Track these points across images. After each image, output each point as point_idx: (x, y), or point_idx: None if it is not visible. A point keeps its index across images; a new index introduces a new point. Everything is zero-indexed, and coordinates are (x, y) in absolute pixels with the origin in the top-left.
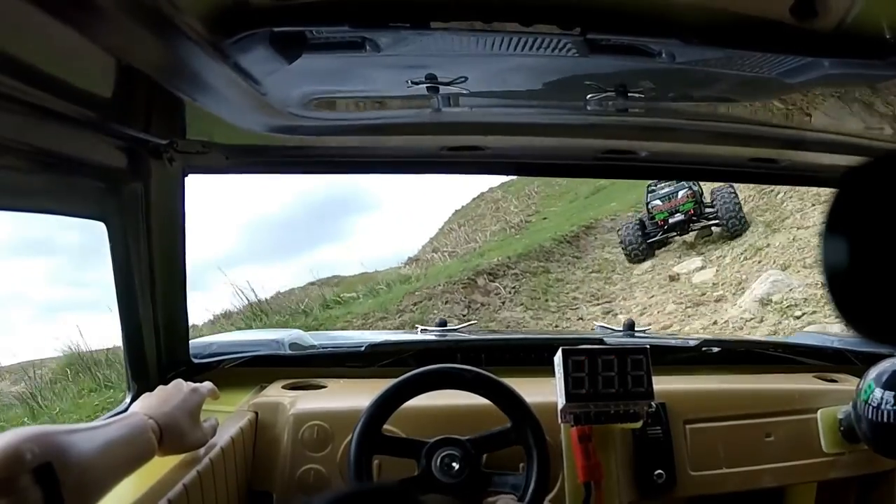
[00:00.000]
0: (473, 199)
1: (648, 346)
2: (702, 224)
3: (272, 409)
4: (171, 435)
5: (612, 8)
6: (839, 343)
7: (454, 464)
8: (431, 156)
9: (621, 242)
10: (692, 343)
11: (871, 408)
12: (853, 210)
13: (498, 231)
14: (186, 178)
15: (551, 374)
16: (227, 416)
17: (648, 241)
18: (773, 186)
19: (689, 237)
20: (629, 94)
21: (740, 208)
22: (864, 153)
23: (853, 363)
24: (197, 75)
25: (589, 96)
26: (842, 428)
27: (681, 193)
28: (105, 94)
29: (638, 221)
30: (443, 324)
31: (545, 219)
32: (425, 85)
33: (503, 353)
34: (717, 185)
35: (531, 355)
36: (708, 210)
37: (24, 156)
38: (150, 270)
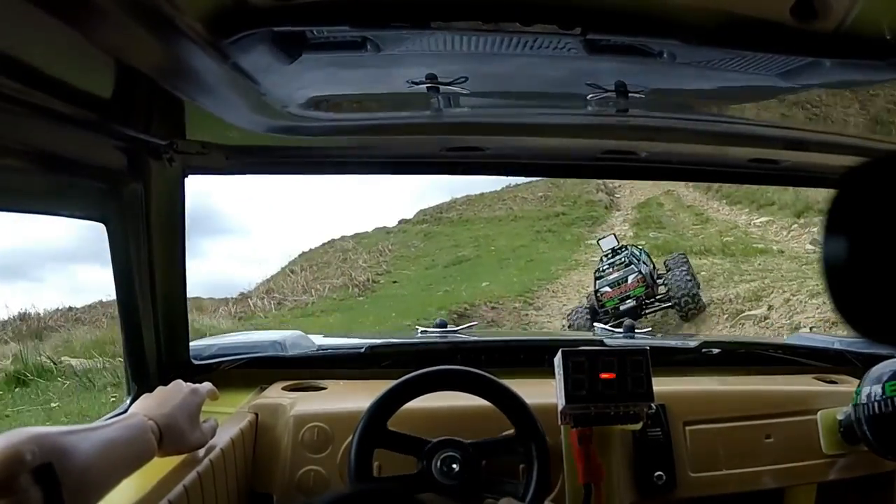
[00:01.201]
0: (323, 245)
1: (648, 348)
2: (654, 309)
3: (272, 411)
4: (171, 436)
5: (612, 8)
6: (839, 344)
7: (454, 465)
8: (431, 156)
9: (569, 327)
10: (692, 344)
11: (870, 409)
12: (853, 211)
13: (339, 287)
14: (186, 179)
15: (551, 375)
16: (227, 418)
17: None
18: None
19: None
20: (629, 95)
21: (692, 286)
22: (864, 154)
23: (853, 364)
24: (197, 76)
25: (589, 96)
26: (841, 429)
27: (630, 278)
28: (105, 95)
29: (588, 309)
30: (442, 325)
31: (395, 282)
32: (425, 85)
33: (503, 355)
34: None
35: (531, 357)
36: (661, 291)
37: (23, 157)
38: (150, 271)
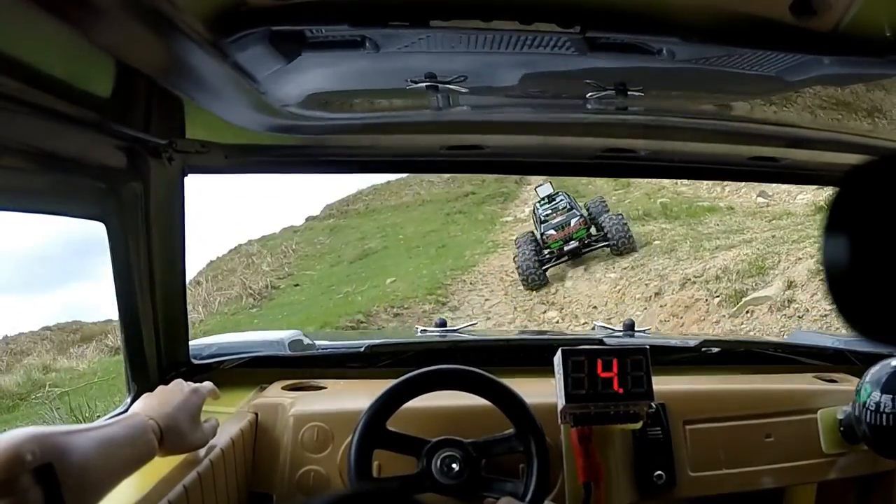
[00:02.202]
0: (230, 252)
1: (648, 347)
2: (593, 248)
3: (272, 410)
4: (172, 435)
5: (611, 6)
6: (839, 343)
7: (454, 465)
8: (431, 155)
9: (518, 268)
10: (692, 343)
11: (870, 408)
12: (854, 209)
13: (234, 299)
14: (186, 178)
15: (551, 374)
16: (228, 417)
17: (543, 268)
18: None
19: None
20: (629, 93)
21: (627, 232)
22: (864, 152)
23: (853, 363)
24: (196, 75)
25: (589, 95)
26: (841, 428)
27: (573, 222)
28: (104, 94)
29: (533, 251)
30: (442, 324)
31: (297, 286)
32: (425, 84)
33: (503, 354)
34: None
35: (531, 356)
36: (597, 234)
37: (23, 156)
38: (150, 270)
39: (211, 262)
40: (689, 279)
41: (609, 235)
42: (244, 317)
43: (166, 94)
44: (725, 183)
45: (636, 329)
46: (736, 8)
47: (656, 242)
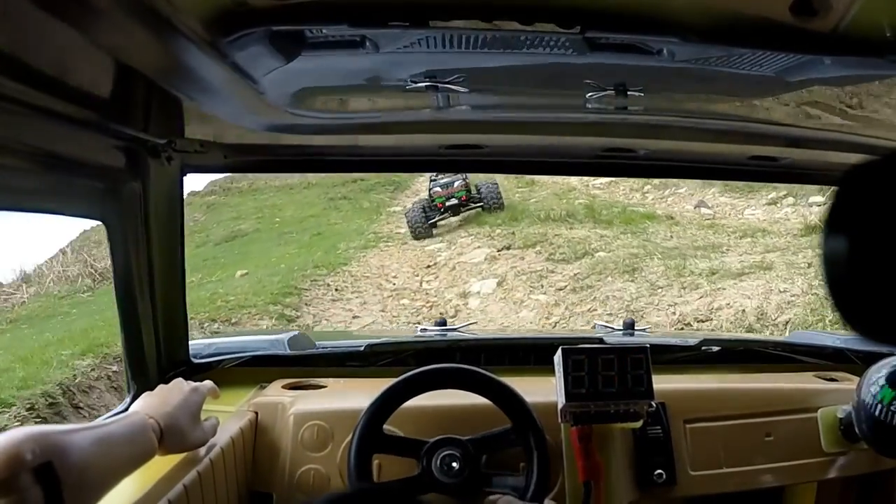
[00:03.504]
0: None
1: (648, 346)
2: (470, 207)
3: (272, 409)
4: (172, 434)
5: (611, 7)
6: (839, 342)
7: (454, 464)
8: (430, 154)
9: (408, 222)
10: (692, 342)
11: (870, 407)
12: (854, 208)
13: (73, 278)
14: (185, 178)
15: (551, 373)
16: (228, 416)
17: (429, 221)
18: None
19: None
20: (629, 93)
21: (499, 194)
22: (864, 151)
23: (853, 362)
24: (195, 75)
25: (588, 94)
26: (842, 427)
27: (456, 183)
28: (103, 94)
29: (422, 206)
30: (442, 323)
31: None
32: (425, 83)
33: (503, 353)
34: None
35: (531, 355)
36: (476, 197)
37: (22, 156)
38: (150, 269)
39: (84, 231)
40: (702, 323)
41: (483, 197)
42: (73, 302)
43: (165, 94)
44: (646, 191)
45: (636, 328)
46: (736, 8)
47: (601, 254)
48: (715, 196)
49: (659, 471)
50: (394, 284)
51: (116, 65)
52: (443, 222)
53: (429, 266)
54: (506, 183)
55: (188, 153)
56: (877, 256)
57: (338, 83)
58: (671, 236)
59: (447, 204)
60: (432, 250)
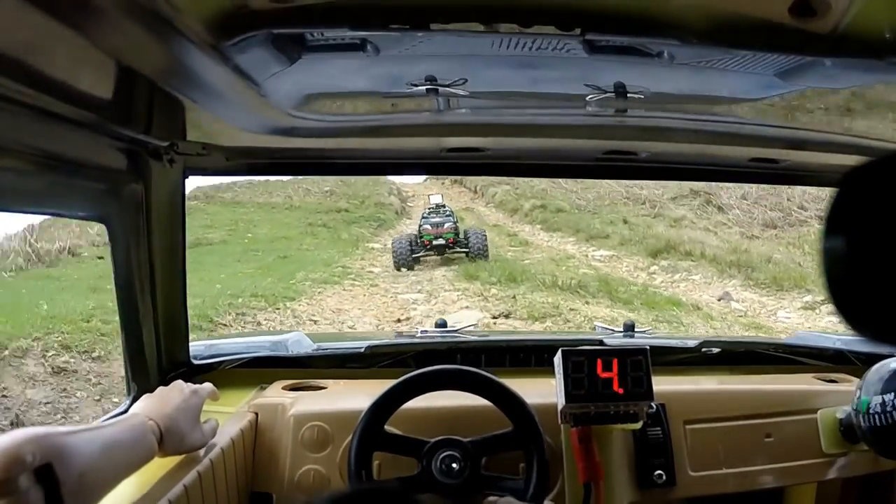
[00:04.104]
0: None
1: (648, 347)
2: (455, 251)
3: (272, 410)
4: (172, 436)
5: (611, 9)
6: (839, 343)
7: (454, 465)
8: (431, 157)
9: (392, 250)
10: (692, 344)
11: (870, 409)
12: (854, 210)
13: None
14: (186, 180)
15: (551, 374)
16: (228, 417)
17: (413, 255)
18: None
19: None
20: (629, 95)
21: (485, 245)
22: (863, 153)
23: (853, 363)
24: (197, 77)
25: (589, 97)
26: (842, 428)
27: (447, 225)
28: (106, 97)
29: (409, 239)
30: (442, 324)
31: (101, 258)
32: (425, 86)
33: (503, 354)
34: (472, 225)
35: (531, 356)
36: (463, 242)
37: (26, 158)
38: (151, 271)
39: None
40: None
41: (470, 244)
42: None
43: (167, 96)
44: (652, 271)
45: (636, 329)
46: (735, 10)
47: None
48: (737, 289)
49: (659, 472)
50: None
51: (119, 67)
52: (426, 259)
53: (399, 320)
54: (497, 240)
55: (190, 155)
56: (876, 257)
57: (339, 86)
58: (710, 331)
59: (434, 243)
60: (406, 300)
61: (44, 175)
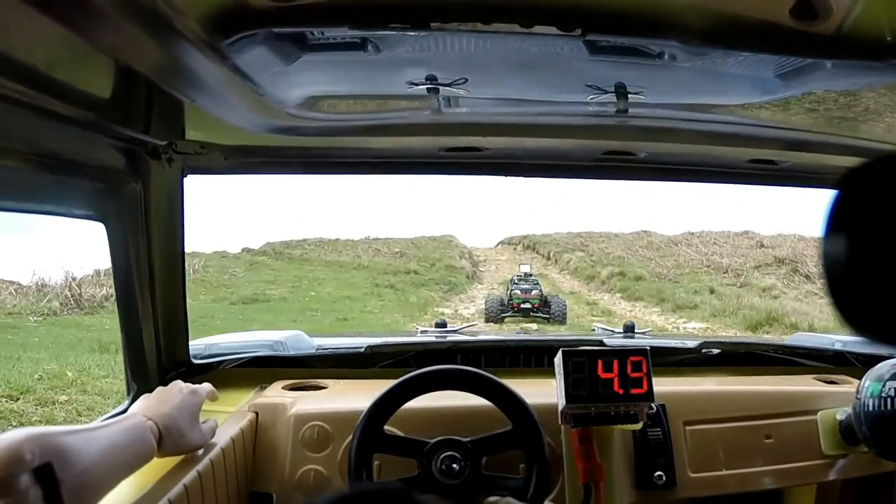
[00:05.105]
0: None
1: (648, 348)
2: (538, 315)
3: (272, 410)
4: (171, 436)
5: (611, 10)
6: (839, 345)
7: (454, 465)
8: (431, 157)
9: (485, 304)
10: (692, 345)
11: (870, 410)
12: (853, 211)
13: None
14: (185, 179)
15: (551, 375)
16: (228, 417)
17: (502, 314)
18: None
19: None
20: (629, 96)
21: (565, 312)
22: (863, 154)
23: (853, 365)
24: (196, 76)
25: (589, 97)
26: (841, 430)
27: (534, 291)
28: (104, 96)
29: (500, 299)
30: (442, 325)
31: None
32: (425, 86)
33: (503, 355)
34: (549, 292)
35: (531, 357)
36: (545, 308)
37: (23, 157)
38: (150, 271)
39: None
40: None
41: (552, 311)
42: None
43: (166, 95)
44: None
45: (636, 330)
46: (736, 11)
47: None
48: None
49: (659, 473)
50: None
51: (117, 67)
52: (511, 318)
53: None
54: (576, 308)
55: (189, 154)
56: (876, 258)
57: (338, 85)
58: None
59: (521, 306)
60: None
61: (42, 174)
